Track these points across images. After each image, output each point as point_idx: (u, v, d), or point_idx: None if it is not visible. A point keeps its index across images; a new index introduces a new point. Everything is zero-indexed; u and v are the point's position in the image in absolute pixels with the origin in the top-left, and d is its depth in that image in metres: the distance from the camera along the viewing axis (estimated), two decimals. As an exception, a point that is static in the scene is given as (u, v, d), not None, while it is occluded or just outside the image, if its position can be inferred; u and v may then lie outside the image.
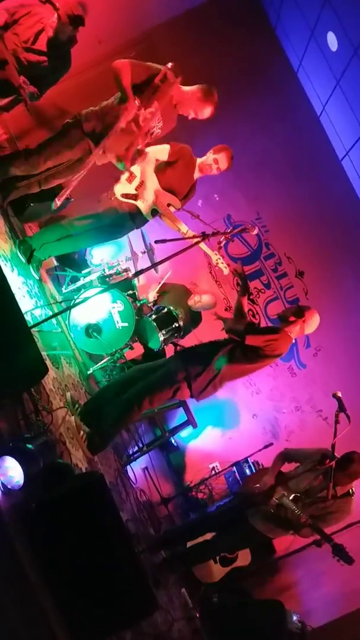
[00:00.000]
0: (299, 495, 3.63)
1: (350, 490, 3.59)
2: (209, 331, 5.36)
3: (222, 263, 4.01)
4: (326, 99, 5.46)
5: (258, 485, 3.86)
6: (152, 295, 4.95)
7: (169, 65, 3.57)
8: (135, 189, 4.01)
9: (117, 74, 3.46)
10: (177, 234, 4.02)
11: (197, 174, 4.15)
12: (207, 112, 3.82)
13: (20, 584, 2.26)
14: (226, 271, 4.06)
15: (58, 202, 3.57)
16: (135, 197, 4.01)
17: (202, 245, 3.72)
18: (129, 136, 3.58)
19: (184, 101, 3.75)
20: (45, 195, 4.26)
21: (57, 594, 2.38)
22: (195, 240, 3.22)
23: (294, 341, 3.66)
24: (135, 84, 3.48)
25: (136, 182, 4.02)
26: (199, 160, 4.12)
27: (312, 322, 3.63)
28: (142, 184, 4.00)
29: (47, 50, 3.77)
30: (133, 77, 3.48)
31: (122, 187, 4.03)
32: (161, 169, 4.04)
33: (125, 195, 4.00)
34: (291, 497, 3.61)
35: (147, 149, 3.91)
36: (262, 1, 5.75)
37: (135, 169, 4.00)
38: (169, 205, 4.02)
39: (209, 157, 4.06)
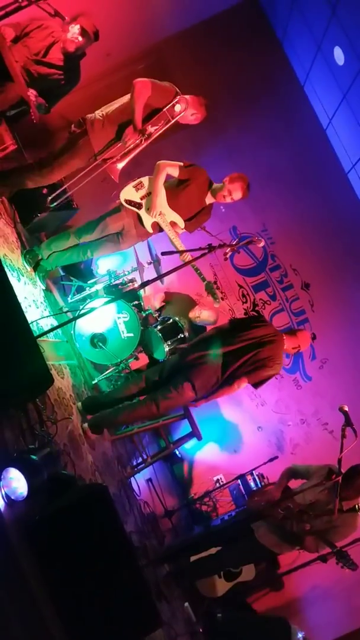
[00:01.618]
0: (304, 509, 3.59)
1: (357, 506, 3.55)
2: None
3: (215, 294, 3.77)
4: (333, 113, 5.48)
5: (264, 500, 3.83)
6: (157, 303, 4.94)
7: (179, 103, 3.80)
8: (141, 198, 3.99)
9: (134, 99, 3.70)
10: (184, 247, 4.00)
11: (210, 199, 4.07)
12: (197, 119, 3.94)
13: (22, 595, 2.23)
14: (217, 304, 3.83)
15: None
16: (139, 206, 3.99)
17: (198, 272, 3.78)
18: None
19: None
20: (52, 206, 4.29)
21: (59, 607, 2.35)
22: (201, 252, 3.21)
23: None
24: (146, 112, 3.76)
25: (143, 191, 4.01)
26: (214, 186, 4.04)
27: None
28: (148, 195, 3.99)
29: (59, 63, 3.84)
30: (151, 100, 3.73)
31: (128, 194, 3.98)
32: (171, 186, 4.00)
33: (129, 202, 3.97)
34: (297, 510, 3.58)
35: (160, 162, 3.92)
36: (269, 15, 5.81)
37: (145, 179, 4.00)
38: (173, 223, 3.98)
39: (224, 186, 3.96)
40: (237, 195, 3.95)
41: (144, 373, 3.97)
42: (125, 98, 3.84)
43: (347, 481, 3.44)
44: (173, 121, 3.81)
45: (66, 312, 4.45)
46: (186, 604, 4.23)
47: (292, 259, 5.75)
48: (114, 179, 3.90)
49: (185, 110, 3.81)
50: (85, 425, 3.69)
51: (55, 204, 3.99)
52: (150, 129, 3.82)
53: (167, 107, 3.77)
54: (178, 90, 3.88)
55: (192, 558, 4.25)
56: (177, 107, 3.78)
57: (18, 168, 4.09)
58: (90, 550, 2.41)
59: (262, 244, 3.38)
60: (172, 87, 3.88)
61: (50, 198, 3.93)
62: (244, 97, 5.75)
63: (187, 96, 3.94)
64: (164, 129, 3.85)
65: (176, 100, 3.78)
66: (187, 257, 3.62)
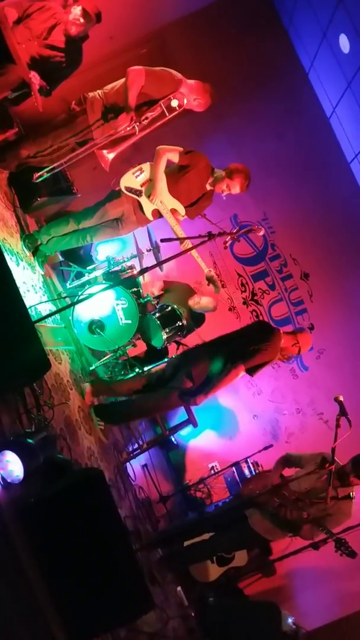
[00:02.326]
0: (300, 496, 3.63)
1: (351, 494, 3.59)
2: (212, 331, 5.38)
3: (215, 281, 3.84)
4: (337, 101, 5.44)
5: (259, 487, 3.86)
6: (156, 289, 4.94)
7: (176, 98, 3.77)
8: (141, 185, 3.97)
9: (127, 87, 3.71)
10: (184, 234, 3.99)
11: (210, 186, 4.05)
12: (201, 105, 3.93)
13: (16, 578, 2.26)
14: (217, 291, 3.89)
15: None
16: (139, 193, 3.97)
17: (199, 259, 3.76)
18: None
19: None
20: (53, 190, 4.27)
21: (53, 589, 2.38)
22: (201, 240, 3.20)
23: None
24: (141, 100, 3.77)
25: (143, 178, 3.98)
26: (215, 175, 4.02)
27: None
28: (148, 181, 3.97)
29: (61, 45, 3.80)
30: (147, 89, 3.74)
31: (128, 180, 3.95)
32: (171, 172, 3.98)
33: (129, 189, 3.95)
34: (293, 498, 3.62)
35: (160, 147, 3.89)
36: (275, 1, 5.73)
37: (145, 165, 3.98)
38: (173, 210, 3.97)
39: (224, 180, 3.94)
40: (236, 190, 3.95)
41: (148, 375, 4.13)
42: (123, 80, 3.84)
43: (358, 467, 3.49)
44: (167, 117, 3.78)
45: (65, 297, 4.45)
46: (179, 588, 4.29)
47: (292, 249, 5.74)
48: (104, 167, 3.87)
49: (182, 106, 3.78)
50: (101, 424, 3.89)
51: (40, 179, 3.96)
52: (147, 115, 3.78)
53: (163, 99, 3.75)
54: (182, 77, 3.84)
55: (186, 543, 4.30)
56: (174, 102, 3.74)
57: (12, 142, 4.13)
58: (84, 533, 2.43)
59: (262, 232, 3.37)
60: (174, 76, 3.83)
61: (37, 175, 3.91)
62: (247, 84, 5.68)
63: (191, 81, 3.91)
64: (158, 123, 3.81)
65: (173, 94, 3.75)
66: (188, 244, 3.62)
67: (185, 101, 3.77)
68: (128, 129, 3.80)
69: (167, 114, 3.77)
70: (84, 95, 3.94)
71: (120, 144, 3.86)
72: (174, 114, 3.78)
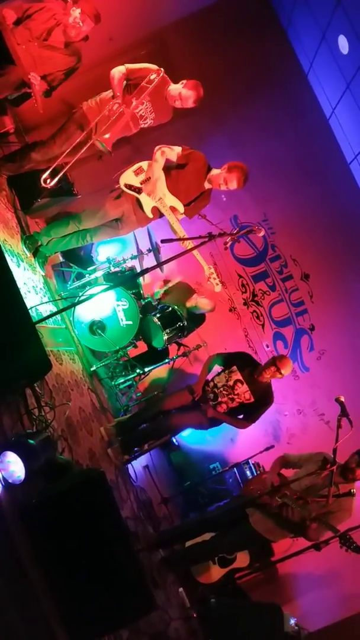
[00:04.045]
0: (301, 495, 3.62)
1: (352, 490, 3.58)
2: (212, 331, 5.39)
3: (215, 279, 3.85)
4: (336, 102, 5.44)
5: (260, 488, 3.86)
6: (159, 293, 4.95)
7: (159, 70, 3.83)
8: (140, 183, 3.98)
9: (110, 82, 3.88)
10: (184, 231, 3.99)
11: (208, 185, 4.06)
12: (189, 98, 3.91)
13: (18, 579, 2.26)
14: (217, 288, 3.90)
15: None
16: (138, 190, 3.98)
17: (199, 256, 3.76)
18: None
19: (171, 93, 3.94)
20: (53, 191, 4.27)
21: (55, 590, 2.37)
22: (202, 241, 3.20)
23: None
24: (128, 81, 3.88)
25: (142, 176, 4.00)
26: (213, 172, 4.03)
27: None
28: (148, 180, 3.98)
29: (61, 46, 3.81)
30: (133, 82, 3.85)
31: (128, 178, 3.98)
32: (170, 170, 3.99)
33: (129, 186, 3.96)
34: (294, 497, 3.61)
35: (159, 146, 3.91)
36: (273, 3, 5.74)
37: (145, 163, 3.99)
38: (173, 208, 3.97)
39: (221, 173, 3.94)
40: (233, 185, 3.94)
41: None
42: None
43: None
44: (149, 88, 3.82)
45: (65, 298, 4.45)
46: (180, 589, 4.27)
47: (292, 250, 5.74)
48: (108, 150, 3.89)
49: (159, 80, 3.83)
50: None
51: (52, 184, 3.96)
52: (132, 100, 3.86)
53: (145, 80, 3.82)
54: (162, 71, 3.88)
55: (187, 544, 4.29)
56: (152, 76, 3.80)
57: (22, 147, 4.21)
58: (86, 534, 2.43)
59: (262, 233, 3.37)
60: (154, 68, 3.91)
61: (44, 177, 3.91)
62: (247, 85, 5.70)
63: (183, 81, 3.95)
64: (142, 95, 3.85)
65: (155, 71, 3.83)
66: (188, 244, 3.62)
67: (154, 77, 3.80)
68: (116, 108, 3.83)
69: (148, 85, 3.83)
70: (80, 107, 4.05)
71: (113, 124, 3.87)
72: (153, 84, 3.82)
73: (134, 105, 3.85)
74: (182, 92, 3.89)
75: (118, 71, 3.87)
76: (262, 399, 4.05)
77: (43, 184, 3.87)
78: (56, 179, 3.85)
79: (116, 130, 3.89)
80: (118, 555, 2.51)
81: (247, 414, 4.12)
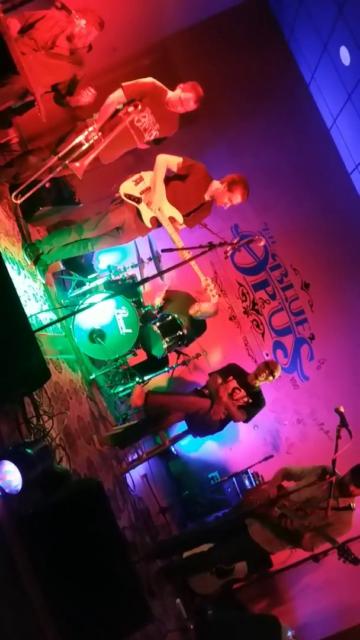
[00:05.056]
0: (300, 506, 3.61)
1: (352, 504, 3.56)
2: (212, 340, 5.38)
3: (212, 290, 3.84)
4: (337, 113, 5.47)
5: (259, 499, 3.84)
6: (158, 301, 4.95)
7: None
8: (140, 193, 4.00)
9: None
10: (182, 242, 4.00)
11: (208, 196, 4.06)
12: (189, 99, 3.94)
13: (14, 590, 2.24)
14: (214, 300, 3.92)
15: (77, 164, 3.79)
16: (138, 200, 3.99)
17: (196, 267, 3.76)
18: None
19: (172, 100, 3.98)
20: (55, 199, 4.29)
21: (50, 601, 2.36)
22: (202, 250, 3.21)
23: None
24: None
25: (143, 186, 4.01)
26: (214, 185, 4.02)
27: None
28: (148, 189, 3.99)
29: (66, 53, 3.85)
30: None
31: (127, 187, 4.00)
32: (170, 181, 4.01)
33: (129, 196, 3.98)
34: (294, 508, 3.60)
35: (160, 155, 3.92)
36: (276, 13, 5.79)
37: (145, 173, 4.00)
38: (172, 219, 3.98)
39: (224, 192, 3.94)
40: (237, 200, 3.97)
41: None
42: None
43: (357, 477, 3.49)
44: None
45: (65, 306, 4.45)
46: (178, 600, 4.24)
47: (293, 259, 5.75)
48: (78, 177, 3.88)
49: (156, 90, 3.92)
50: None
51: (21, 201, 3.99)
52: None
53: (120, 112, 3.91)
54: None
55: (185, 554, 4.26)
56: (120, 106, 3.92)
57: (20, 153, 4.23)
58: (82, 544, 2.42)
59: (262, 243, 3.37)
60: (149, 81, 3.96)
61: (14, 193, 3.97)
62: (248, 95, 5.73)
63: (180, 85, 3.99)
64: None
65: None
66: (186, 254, 3.62)
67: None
68: (92, 137, 3.88)
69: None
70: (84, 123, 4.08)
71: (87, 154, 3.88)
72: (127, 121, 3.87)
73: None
74: (182, 96, 3.92)
75: (113, 98, 3.92)
76: (257, 400, 4.38)
77: (14, 200, 3.94)
78: (26, 196, 3.92)
79: (117, 149, 4.01)
80: (115, 565, 2.49)
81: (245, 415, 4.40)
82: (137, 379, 4.64)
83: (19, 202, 3.97)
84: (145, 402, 4.16)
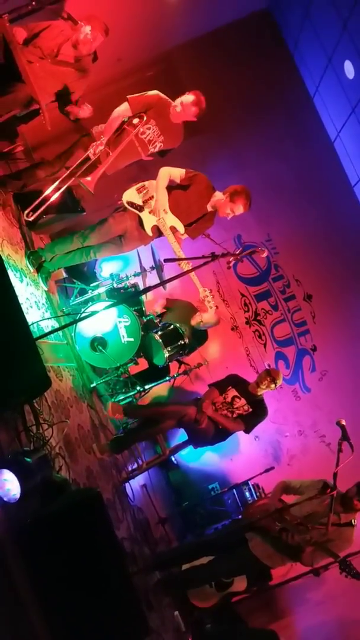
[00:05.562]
0: (301, 521, 3.58)
1: (353, 521, 3.53)
2: (214, 350, 5.37)
3: (210, 302, 3.81)
4: (341, 126, 5.50)
5: (260, 512, 3.81)
6: (158, 308, 4.95)
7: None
8: (142, 201, 4.02)
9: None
10: (182, 252, 3.99)
11: (211, 207, 4.07)
12: (190, 103, 3.97)
13: (10, 599, 2.22)
14: (211, 312, 3.89)
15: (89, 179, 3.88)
16: (140, 208, 4.01)
17: (194, 278, 3.76)
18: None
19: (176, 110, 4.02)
20: (59, 207, 4.30)
21: (47, 612, 2.33)
22: (204, 261, 3.20)
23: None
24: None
25: (145, 194, 4.04)
26: (216, 196, 4.03)
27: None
28: (150, 198, 4.01)
29: (71, 60, 3.89)
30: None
31: (130, 195, 4.03)
32: (172, 191, 4.02)
33: (131, 204, 4.01)
34: (295, 523, 3.57)
35: (163, 167, 3.94)
36: (280, 27, 5.84)
37: (148, 183, 4.03)
38: (173, 228, 3.98)
39: (226, 203, 3.95)
40: (240, 211, 3.99)
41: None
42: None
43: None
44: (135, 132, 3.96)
45: (67, 314, 4.45)
46: (176, 612, 4.19)
47: (295, 270, 5.75)
48: (90, 191, 3.94)
49: (160, 102, 3.96)
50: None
51: (33, 217, 4.08)
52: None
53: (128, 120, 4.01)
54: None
55: (184, 566, 4.22)
56: (125, 119, 4.00)
57: (28, 167, 4.28)
58: (80, 555, 2.39)
59: (265, 254, 3.37)
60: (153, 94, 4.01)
61: (27, 211, 4.08)
62: (253, 107, 5.76)
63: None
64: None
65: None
66: (186, 265, 3.62)
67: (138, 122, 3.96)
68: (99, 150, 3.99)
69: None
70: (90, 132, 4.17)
71: (98, 168, 3.97)
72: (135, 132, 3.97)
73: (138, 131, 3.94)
74: (183, 100, 3.96)
75: (119, 112, 3.97)
76: (259, 409, 4.31)
77: (26, 217, 4.02)
78: (37, 213, 4.01)
79: (120, 160, 4.04)
80: (113, 577, 2.47)
81: (244, 424, 4.34)
82: (138, 388, 4.62)
83: (31, 219, 4.02)
84: (125, 414, 4.20)
